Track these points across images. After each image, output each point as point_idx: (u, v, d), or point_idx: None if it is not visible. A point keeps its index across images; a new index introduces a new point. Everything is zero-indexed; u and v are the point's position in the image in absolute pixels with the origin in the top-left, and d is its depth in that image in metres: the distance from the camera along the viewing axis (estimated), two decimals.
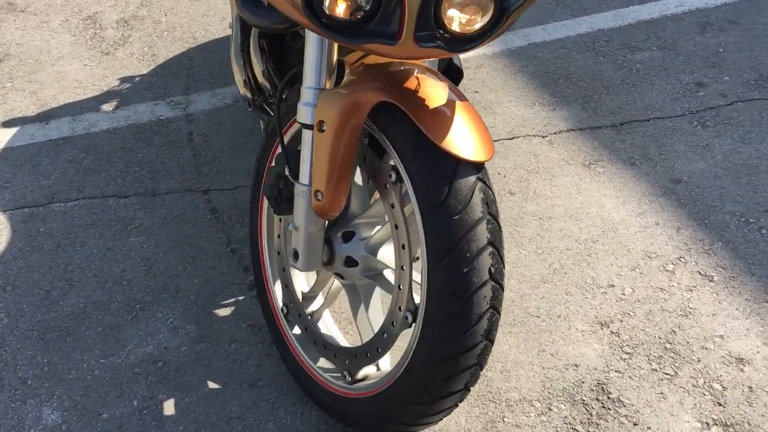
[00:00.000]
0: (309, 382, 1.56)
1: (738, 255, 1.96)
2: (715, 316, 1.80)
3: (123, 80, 2.88)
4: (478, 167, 1.23)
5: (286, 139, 1.53)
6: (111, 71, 2.90)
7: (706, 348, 1.72)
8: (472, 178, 1.21)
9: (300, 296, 1.62)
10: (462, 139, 1.21)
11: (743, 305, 1.82)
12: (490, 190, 1.23)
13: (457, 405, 1.34)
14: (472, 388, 1.32)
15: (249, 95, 1.77)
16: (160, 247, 2.07)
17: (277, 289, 1.66)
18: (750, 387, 1.63)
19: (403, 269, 1.31)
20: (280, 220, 1.64)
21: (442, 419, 1.40)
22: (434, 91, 1.26)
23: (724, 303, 1.83)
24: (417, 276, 1.29)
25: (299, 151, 1.48)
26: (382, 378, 1.38)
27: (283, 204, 1.51)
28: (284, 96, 1.47)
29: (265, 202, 1.66)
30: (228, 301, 1.90)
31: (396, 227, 1.31)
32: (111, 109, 2.68)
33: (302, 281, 1.64)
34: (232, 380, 1.69)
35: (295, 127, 1.51)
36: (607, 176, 2.25)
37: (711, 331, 1.76)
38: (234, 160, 2.41)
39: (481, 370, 1.28)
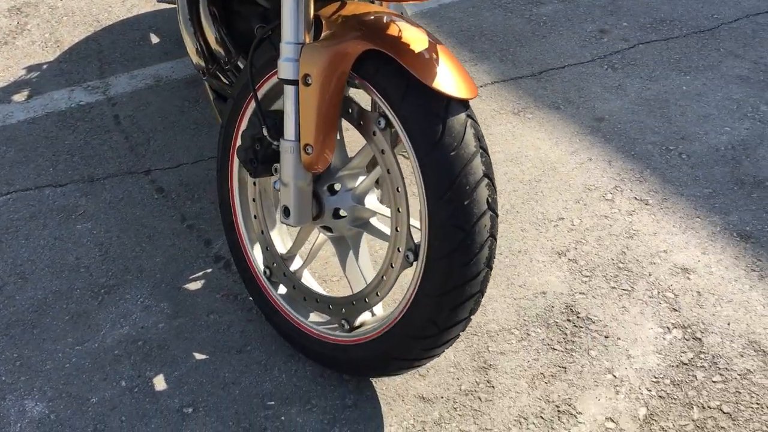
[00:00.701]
0: (302, 338, 1.59)
1: (666, 179, 2.15)
2: (656, 234, 1.97)
3: (29, 69, 2.75)
4: (465, 104, 1.29)
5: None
6: (14, 61, 2.76)
7: (654, 263, 1.89)
8: (463, 115, 1.28)
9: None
10: (449, 79, 1.27)
11: (679, 222, 2.00)
12: (478, 125, 1.31)
13: (459, 335, 1.42)
14: (473, 316, 1.40)
15: (203, 64, 1.76)
16: (112, 231, 2.02)
17: (257, 253, 1.68)
18: (698, 292, 1.81)
19: (399, 211, 1.36)
20: (255, 183, 1.65)
21: (445, 350, 1.47)
22: (415, 37, 1.31)
23: (662, 222, 2.01)
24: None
25: (274, 111, 1.50)
26: (384, 318, 1.44)
27: (260, 166, 1.53)
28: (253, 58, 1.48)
29: (236, 169, 1.66)
30: (196, 275, 1.89)
31: (388, 172, 1.36)
32: (24, 99, 2.56)
33: (279, 243, 1.66)
34: (219, 349, 1.70)
35: (266, 87, 1.52)
36: (537, 121, 2.39)
37: (655, 248, 1.93)
38: (169, 138, 2.37)
39: (482, 296, 1.36)
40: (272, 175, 1.54)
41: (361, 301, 1.48)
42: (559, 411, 1.55)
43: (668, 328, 1.72)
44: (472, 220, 1.27)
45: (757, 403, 1.56)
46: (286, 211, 1.44)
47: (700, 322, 1.73)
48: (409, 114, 1.28)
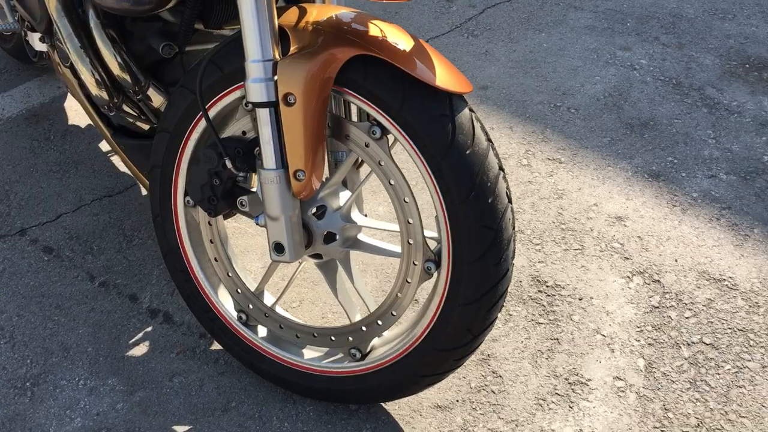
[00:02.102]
0: (301, 379, 1.44)
1: (567, 135, 2.22)
2: (581, 190, 2.04)
3: None
4: (464, 99, 1.22)
5: (198, 129, 1.35)
6: None
7: (590, 218, 1.95)
8: (467, 110, 1.20)
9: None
10: (445, 75, 1.19)
11: (595, 174, 2.09)
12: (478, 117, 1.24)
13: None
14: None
15: (106, 97, 1.50)
16: (8, 311, 1.70)
17: (225, 300, 1.49)
18: (639, 236, 1.90)
19: (410, 223, 1.26)
20: (210, 223, 1.45)
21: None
22: (399, 35, 1.21)
23: (581, 177, 2.08)
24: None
25: (231, 138, 1.33)
26: (404, 337, 1.34)
27: (221, 203, 1.35)
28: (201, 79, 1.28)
29: (181, 211, 1.45)
30: (136, 337, 1.65)
31: (391, 183, 1.25)
32: None
33: (250, 282, 1.49)
34: (200, 414, 1.49)
35: (211, 113, 1.33)
36: None
37: (585, 203, 2.00)
38: (32, 187, 2.04)
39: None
40: (236, 210, 1.37)
41: (372, 325, 1.37)
42: (569, 383, 1.56)
43: (628, 277, 1.80)
44: (499, 217, 1.21)
45: (729, 328, 1.68)
46: (278, 248, 1.28)
47: (652, 265, 1.82)
48: (412, 118, 1.18)
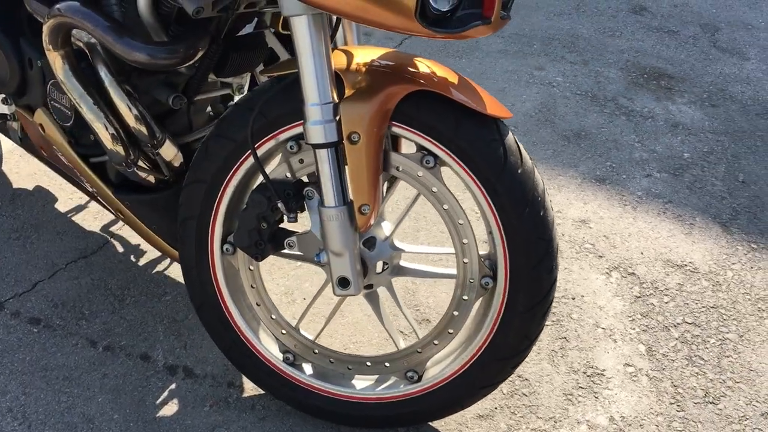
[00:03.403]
0: (354, 409, 1.47)
1: None
2: None
3: None
4: (504, 123, 1.32)
5: (239, 174, 1.37)
6: None
7: (558, 224, 2.11)
8: (511, 133, 1.31)
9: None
10: (489, 102, 1.28)
11: (550, 184, 2.26)
12: None
13: None
14: None
15: (122, 152, 1.45)
16: (11, 392, 1.59)
17: (267, 343, 1.48)
18: (605, 236, 2.08)
19: (465, 243, 1.34)
20: (251, 268, 1.45)
21: None
22: (443, 70, 1.29)
23: None
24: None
25: (282, 180, 1.35)
26: (460, 353, 1.40)
27: (268, 246, 1.37)
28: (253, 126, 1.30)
29: (218, 261, 1.44)
30: (161, 397, 1.59)
31: (445, 208, 1.33)
32: None
33: (291, 320, 1.50)
34: None
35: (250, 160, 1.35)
36: None
37: None
38: (1, 257, 1.91)
39: None
40: (282, 252, 1.39)
41: (428, 345, 1.43)
42: (588, 376, 1.69)
43: (607, 273, 1.97)
44: (550, 228, 1.31)
45: (703, 307, 1.89)
46: (343, 282, 1.32)
47: (624, 260, 2.01)
48: (467, 144, 1.26)
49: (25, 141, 1.84)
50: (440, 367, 1.44)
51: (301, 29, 1.20)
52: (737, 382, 1.69)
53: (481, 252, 1.37)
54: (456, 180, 1.35)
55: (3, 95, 1.75)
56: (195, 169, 1.40)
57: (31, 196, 2.13)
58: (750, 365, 1.73)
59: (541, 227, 1.30)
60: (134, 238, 1.99)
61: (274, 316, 1.48)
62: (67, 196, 2.13)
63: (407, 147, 1.34)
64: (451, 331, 1.41)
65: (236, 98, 1.66)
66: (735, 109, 2.69)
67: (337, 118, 1.23)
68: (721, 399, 1.64)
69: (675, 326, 1.82)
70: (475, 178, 1.28)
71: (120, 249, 1.96)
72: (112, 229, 2.02)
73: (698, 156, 2.43)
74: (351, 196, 1.28)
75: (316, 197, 1.34)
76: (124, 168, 1.50)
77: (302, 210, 1.35)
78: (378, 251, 1.39)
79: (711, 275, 1.97)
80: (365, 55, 1.30)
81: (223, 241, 1.44)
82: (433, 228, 2.06)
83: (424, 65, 1.29)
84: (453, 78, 1.29)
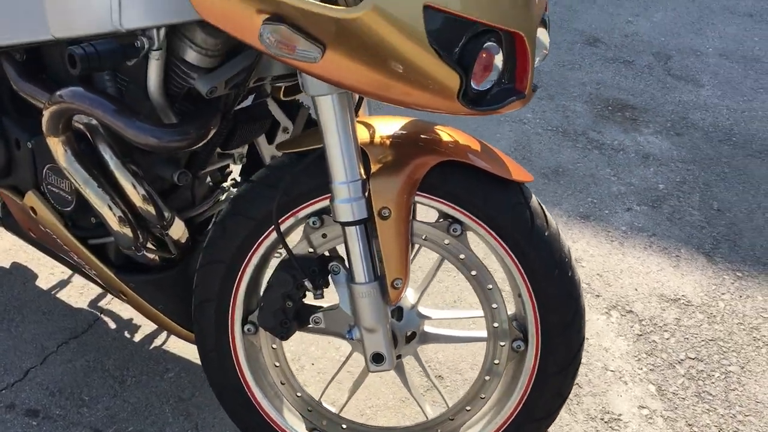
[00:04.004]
0: None
1: None
2: None
3: None
4: (527, 186, 1.33)
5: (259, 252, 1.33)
6: None
7: None
8: (533, 196, 1.31)
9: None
10: (511, 167, 1.29)
11: None
12: None
13: None
14: None
15: (131, 235, 1.39)
16: None
17: (293, 422, 1.44)
18: (598, 274, 2.11)
19: (494, 307, 1.33)
20: (274, 347, 1.41)
21: None
22: (463, 137, 1.29)
23: None
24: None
25: (305, 257, 1.32)
26: (493, 416, 1.39)
27: (293, 324, 1.34)
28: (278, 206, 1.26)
29: (240, 343, 1.39)
30: None
31: (473, 274, 1.32)
32: None
33: (313, 394, 1.46)
34: None
35: (271, 238, 1.32)
36: None
37: None
38: None
39: None
40: (308, 327, 1.36)
41: (461, 411, 1.41)
42: (606, 422, 1.70)
43: (607, 312, 1.99)
44: (578, 287, 1.32)
45: (702, 340, 1.93)
46: (377, 358, 1.29)
47: (620, 297, 2.04)
48: (494, 210, 1.26)
49: (6, 220, 1.75)
50: (473, 431, 1.43)
51: (327, 109, 1.18)
52: (747, 416, 1.73)
53: (509, 313, 1.37)
54: (479, 244, 1.34)
55: None
56: (211, 249, 1.36)
57: (9, 274, 2.02)
58: (756, 397, 1.77)
59: (570, 287, 1.31)
60: (125, 312, 1.92)
61: (300, 394, 1.44)
62: (47, 271, 2.04)
63: (424, 213, 1.33)
64: (483, 396, 1.40)
65: (234, 168, 1.63)
66: (698, 137, 2.79)
67: (366, 194, 1.21)
68: None
69: (679, 362, 1.86)
70: (503, 243, 1.28)
71: (112, 325, 1.88)
72: (101, 304, 1.94)
73: (672, 186, 2.50)
74: (381, 270, 1.26)
75: (342, 272, 1.32)
76: (133, 251, 1.44)
77: (327, 285, 1.33)
78: (406, 321, 1.37)
79: (704, 307, 2.02)
80: (387, 126, 1.29)
81: (244, 321, 1.40)
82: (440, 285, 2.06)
83: (445, 134, 1.29)
84: (475, 145, 1.29)
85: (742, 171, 2.61)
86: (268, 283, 1.33)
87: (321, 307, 1.37)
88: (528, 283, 1.29)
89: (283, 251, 1.32)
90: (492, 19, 1.01)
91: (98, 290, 1.97)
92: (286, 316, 1.32)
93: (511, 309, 1.37)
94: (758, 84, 3.17)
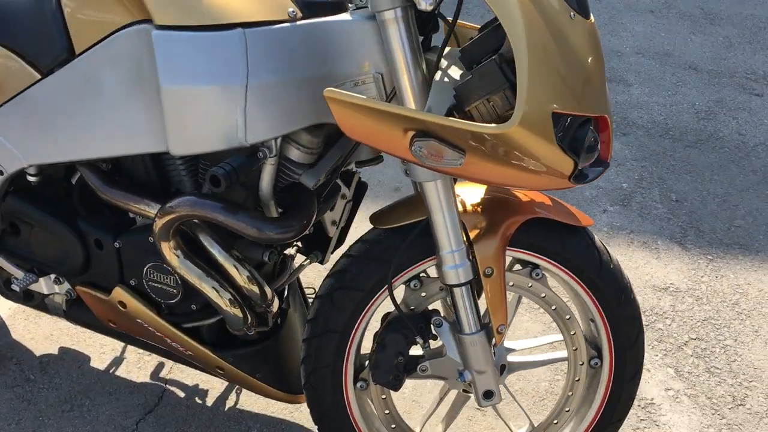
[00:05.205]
0: None
1: None
2: None
3: None
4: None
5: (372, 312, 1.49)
6: None
7: None
8: (595, 236, 1.54)
9: None
10: (577, 214, 1.51)
11: None
12: None
13: None
14: None
15: (240, 315, 1.50)
16: None
17: None
18: None
19: (573, 334, 1.55)
20: (384, 396, 1.58)
21: None
22: (534, 195, 1.50)
23: None
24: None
25: (415, 315, 1.49)
26: (576, 426, 1.62)
27: (404, 376, 1.51)
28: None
29: (353, 400, 1.55)
30: None
31: (553, 308, 1.53)
32: None
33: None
34: None
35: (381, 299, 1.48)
36: None
37: None
38: None
39: None
40: (415, 374, 1.53)
41: (550, 425, 1.63)
42: (643, 407, 1.96)
43: None
44: (638, 306, 1.56)
45: (698, 321, 2.23)
46: (488, 395, 1.48)
47: None
48: (571, 255, 1.48)
49: (71, 312, 1.81)
50: None
51: (433, 191, 1.36)
52: (750, 382, 2.04)
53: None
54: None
55: (54, 275, 1.73)
56: (321, 320, 1.51)
57: (60, 360, 2.07)
58: (753, 364, 2.09)
59: (634, 309, 1.55)
60: (188, 378, 2.01)
61: None
62: (98, 351, 2.09)
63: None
64: (567, 409, 1.63)
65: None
66: (642, 135, 3.12)
67: (469, 258, 1.40)
68: (746, 399, 1.99)
69: (685, 344, 2.16)
70: (578, 279, 1.50)
71: (181, 394, 1.98)
72: (162, 375, 2.02)
73: (634, 184, 2.82)
74: (486, 318, 1.46)
75: (444, 324, 1.50)
76: (245, 331, 1.56)
77: (435, 339, 1.51)
78: (498, 356, 1.57)
79: (691, 291, 2.33)
80: (471, 195, 1.47)
81: (355, 379, 1.56)
82: None
83: (521, 194, 1.49)
84: (543, 199, 1.50)
85: (686, 162, 2.96)
86: (379, 343, 1.49)
87: (423, 356, 1.55)
88: (600, 309, 1.53)
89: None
90: (593, 111, 1.21)
91: (155, 363, 2.05)
92: (399, 370, 1.49)
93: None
94: (676, 78, 3.56)
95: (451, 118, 1.15)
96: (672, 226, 2.60)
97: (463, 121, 1.14)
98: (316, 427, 1.60)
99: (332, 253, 1.77)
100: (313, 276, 2.22)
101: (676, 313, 2.25)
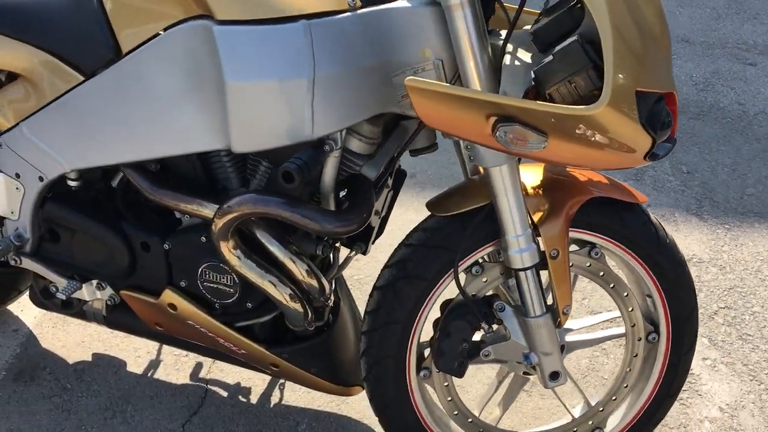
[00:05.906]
0: None
1: None
2: None
3: None
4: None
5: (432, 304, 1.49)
6: None
7: None
8: (650, 213, 1.55)
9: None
10: (632, 192, 1.51)
11: None
12: None
13: None
14: None
15: (301, 310, 1.48)
16: None
17: None
18: None
19: (631, 310, 1.56)
20: (446, 384, 1.57)
21: None
22: (591, 174, 1.50)
23: None
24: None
25: (479, 301, 1.48)
26: (635, 400, 1.63)
27: (468, 362, 1.51)
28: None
29: (416, 389, 1.55)
30: None
31: (612, 286, 1.54)
32: None
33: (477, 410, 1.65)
34: None
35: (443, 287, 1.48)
36: None
37: None
38: None
39: None
40: (477, 359, 1.53)
41: (609, 402, 1.64)
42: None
43: None
44: (692, 279, 1.58)
45: (724, 290, 2.26)
46: (554, 376, 1.49)
47: None
48: (630, 232, 1.48)
49: (113, 318, 1.77)
50: (619, 415, 1.66)
51: (499, 177, 1.35)
52: None
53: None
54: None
55: (96, 281, 1.68)
56: (385, 311, 1.49)
57: (95, 366, 2.02)
58: None
59: (689, 281, 1.56)
60: (229, 377, 1.99)
61: (471, 419, 1.62)
62: (133, 355, 2.05)
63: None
64: (626, 385, 1.64)
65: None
66: None
67: (535, 242, 1.40)
68: None
69: (715, 313, 2.19)
70: (636, 256, 1.51)
71: (224, 393, 1.95)
72: (202, 375, 2.00)
73: None
74: (551, 300, 1.46)
75: (507, 308, 1.50)
76: (305, 327, 1.54)
77: (500, 323, 1.51)
78: (560, 338, 1.58)
79: (714, 261, 2.37)
80: (530, 177, 1.47)
81: (418, 368, 1.55)
82: None
83: (578, 174, 1.49)
84: (602, 179, 1.50)
85: (692, 134, 3.00)
86: (443, 331, 1.49)
87: (483, 341, 1.54)
88: (658, 285, 1.54)
89: None
90: (665, 87, 1.21)
91: (193, 363, 2.02)
92: (463, 356, 1.49)
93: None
94: (673, 51, 3.58)
95: (537, 101, 1.14)
96: (687, 198, 2.64)
97: (550, 104, 1.13)
98: (378, 418, 1.59)
99: (373, 243, 1.76)
100: None
101: (702, 283, 2.29)
